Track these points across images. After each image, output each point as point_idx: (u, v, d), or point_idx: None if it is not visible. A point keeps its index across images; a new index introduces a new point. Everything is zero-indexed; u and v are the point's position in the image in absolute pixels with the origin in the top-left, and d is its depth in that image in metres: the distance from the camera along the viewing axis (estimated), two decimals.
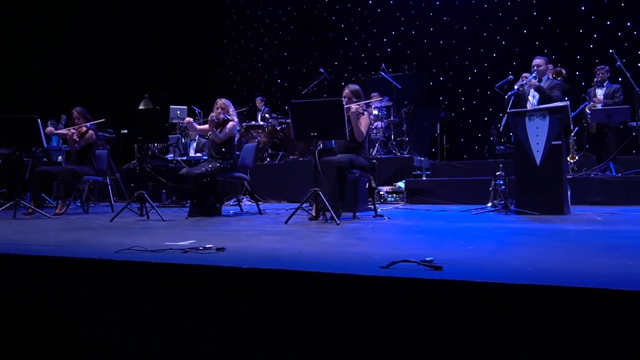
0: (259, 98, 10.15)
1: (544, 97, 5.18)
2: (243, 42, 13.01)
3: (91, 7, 11.24)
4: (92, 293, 2.23)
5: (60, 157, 7.73)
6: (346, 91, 4.91)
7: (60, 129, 7.16)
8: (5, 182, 6.78)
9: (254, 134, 8.87)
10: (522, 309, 1.62)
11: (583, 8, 9.51)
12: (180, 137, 8.24)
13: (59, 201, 5.68)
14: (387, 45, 11.29)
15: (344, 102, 4.55)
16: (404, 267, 1.94)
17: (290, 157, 8.81)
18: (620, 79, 7.54)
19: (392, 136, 8.85)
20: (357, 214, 4.78)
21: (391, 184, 7.30)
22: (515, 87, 5.32)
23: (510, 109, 5.00)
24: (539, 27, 9.76)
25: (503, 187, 5.36)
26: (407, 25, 11.11)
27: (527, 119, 4.76)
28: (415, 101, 9.46)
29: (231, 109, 5.42)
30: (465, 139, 10.41)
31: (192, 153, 8.18)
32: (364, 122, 4.76)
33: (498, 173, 5.47)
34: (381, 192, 7.12)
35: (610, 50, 7.12)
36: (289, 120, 7.52)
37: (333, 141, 5.10)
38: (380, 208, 5.46)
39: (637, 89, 6.94)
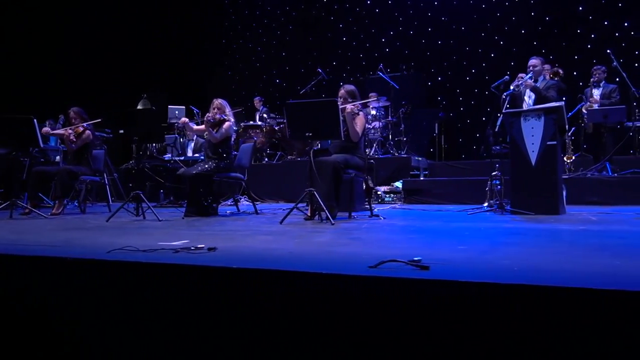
0: (257, 98, 10.15)
1: (539, 98, 5.19)
2: (241, 42, 13.03)
3: (89, 7, 11.25)
4: (84, 293, 2.25)
5: (58, 157, 7.74)
6: (342, 91, 4.91)
7: (58, 128, 7.18)
8: (2, 182, 6.78)
9: (252, 134, 8.87)
10: (509, 308, 1.63)
11: (581, 8, 9.53)
12: (178, 137, 8.25)
13: (56, 201, 5.70)
14: (385, 45, 11.30)
15: (340, 103, 4.56)
16: (392, 267, 1.95)
17: (288, 157, 8.83)
18: (617, 79, 7.55)
19: (390, 136, 8.86)
20: (353, 214, 4.79)
21: (389, 184, 7.32)
22: (511, 87, 5.32)
23: (506, 109, 5.02)
24: (537, 27, 9.78)
25: (499, 187, 5.37)
26: (405, 26, 11.12)
27: (522, 119, 4.78)
28: (413, 101, 9.48)
29: (227, 109, 5.43)
30: (464, 139, 10.42)
31: (189, 153, 8.18)
32: (359, 123, 4.76)
33: (494, 173, 5.49)
34: (379, 192, 7.14)
35: (608, 51, 7.14)
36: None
37: (329, 141, 5.10)
38: (377, 208, 5.48)
39: (634, 89, 6.96)
